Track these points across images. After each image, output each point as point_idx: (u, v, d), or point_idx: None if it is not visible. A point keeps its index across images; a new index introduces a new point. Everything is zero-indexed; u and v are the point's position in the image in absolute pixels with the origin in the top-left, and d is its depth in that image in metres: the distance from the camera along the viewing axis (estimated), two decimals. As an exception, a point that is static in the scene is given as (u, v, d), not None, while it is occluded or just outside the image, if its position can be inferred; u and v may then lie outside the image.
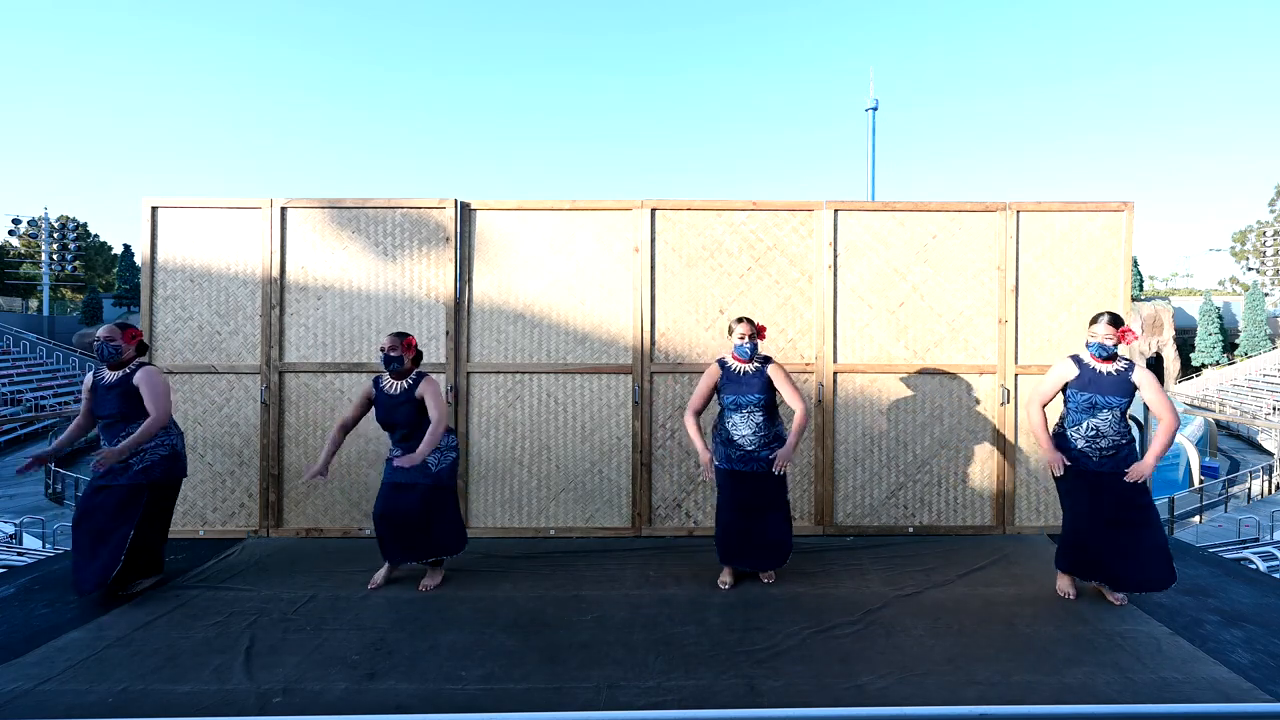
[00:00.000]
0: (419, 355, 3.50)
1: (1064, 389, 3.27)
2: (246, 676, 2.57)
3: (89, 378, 3.41)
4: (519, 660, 2.70)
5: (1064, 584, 3.33)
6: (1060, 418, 3.32)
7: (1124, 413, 3.15)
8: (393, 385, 3.41)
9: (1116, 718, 2.26)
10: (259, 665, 2.66)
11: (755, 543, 3.44)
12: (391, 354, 3.36)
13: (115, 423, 3.31)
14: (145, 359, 3.59)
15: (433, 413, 3.34)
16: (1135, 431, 3.34)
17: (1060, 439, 3.25)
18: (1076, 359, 3.24)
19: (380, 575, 3.49)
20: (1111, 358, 3.15)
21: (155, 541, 3.45)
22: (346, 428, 3.50)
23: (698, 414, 3.47)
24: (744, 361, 3.43)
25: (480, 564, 3.85)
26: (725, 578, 3.47)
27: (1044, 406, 3.26)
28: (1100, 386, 3.13)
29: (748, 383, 3.40)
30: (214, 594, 3.41)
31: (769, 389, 3.42)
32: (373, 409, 3.47)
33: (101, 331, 3.36)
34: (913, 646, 2.81)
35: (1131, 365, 3.17)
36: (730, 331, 3.45)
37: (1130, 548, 3.07)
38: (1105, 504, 3.10)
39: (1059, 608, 3.19)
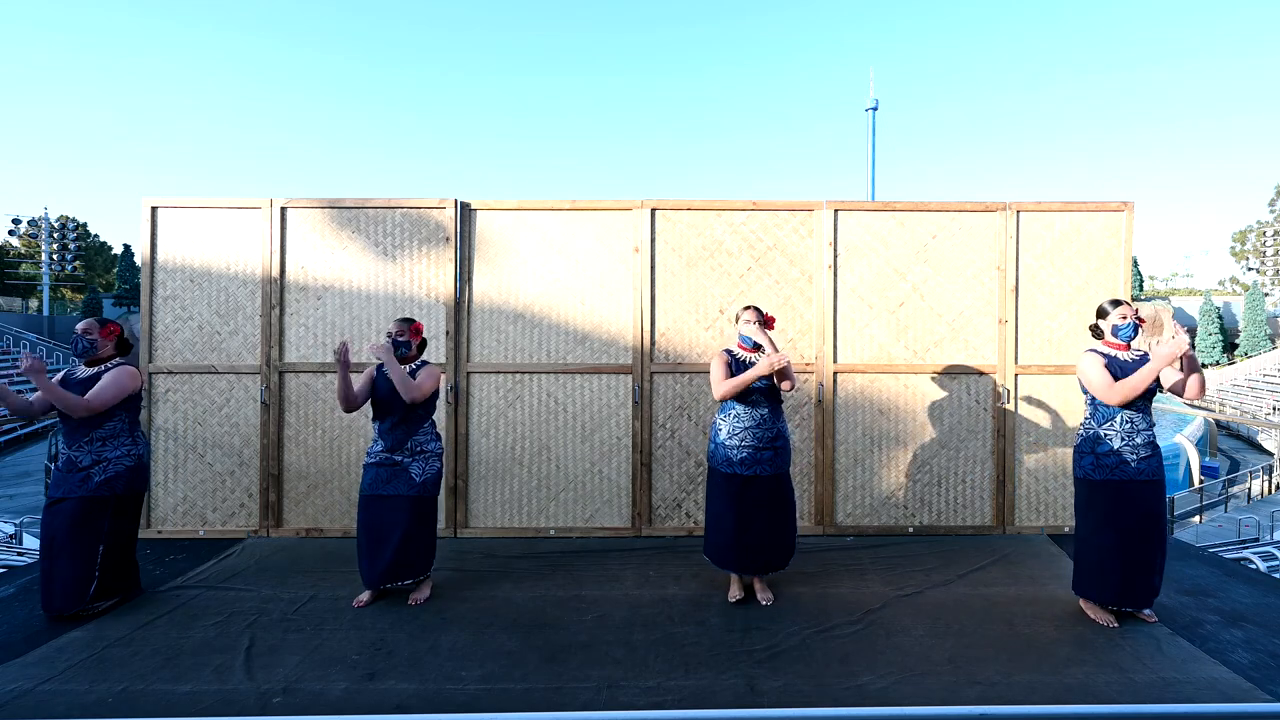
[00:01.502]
0: (424, 344, 3.44)
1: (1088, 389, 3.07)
2: (246, 676, 2.57)
3: (61, 374, 3.23)
4: (519, 660, 2.70)
5: (1097, 613, 3.04)
6: (1086, 419, 3.11)
7: (1152, 400, 2.99)
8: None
9: (1116, 718, 2.26)
10: (259, 665, 2.66)
11: (756, 545, 3.22)
12: (399, 339, 3.28)
13: (82, 424, 3.13)
14: (125, 359, 3.36)
15: (420, 383, 3.21)
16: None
17: (1093, 441, 3.03)
18: (1100, 353, 3.06)
19: (366, 595, 3.28)
20: (1131, 341, 3.03)
21: (126, 556, 3.28)
22: (350, 386, 3.25)
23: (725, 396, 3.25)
24: (751, 350, 3.31)
25: (480, 564, 3.85)
26: (735, 590, 3.28)
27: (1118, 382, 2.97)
28: (1128, 372, 2.96)
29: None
30: (214, 594, 3.41)
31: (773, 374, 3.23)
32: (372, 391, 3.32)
33: (80, 325, 3.22)
34: (913, 646, 2.81)
35: (1145, 352, 3.05)
36: (737, 320, 3.34)
37: (1150, 560, 2.93)
38: (1135, 517, 2.92)
39: (1059, 608, 3.18)
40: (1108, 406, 3.00)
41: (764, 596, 3.27)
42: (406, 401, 3.18)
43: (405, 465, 3.26)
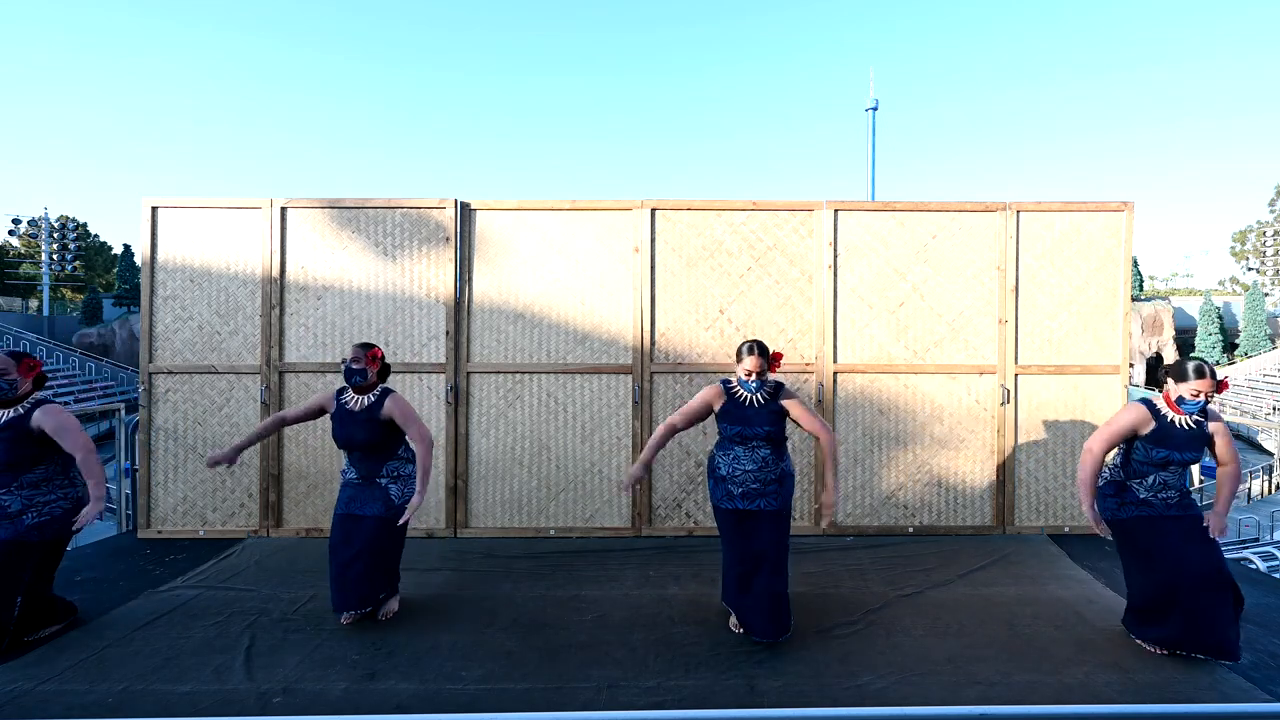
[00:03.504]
0: (385, 369, 3.22)
1: (1129, 439, 2.84)
2: (246, 676, 2.57)
3: None
4: (519, 660, 2.70)
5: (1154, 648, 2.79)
6: (1116, 464, 2.91)
7: (1188, 466, 2.76)
8: (354, 400, 3.09)
9: (1116, 718, 2.26)
10: (259, 665, 2.66)
11: (758, 600, 2.87)
12: (354, 365, 3.04)
13: (9, 468, 2.77)
14: (42, 393, 2.99)
15: (415, 437, 3.06)
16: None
17: (1118, 487, 2.85)
18: (1152, 408, 2.78)
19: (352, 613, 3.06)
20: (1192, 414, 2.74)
21: (46, 595, 2.98)
22: (284, 422, 3.21)
23: (674, 431, 2.98)
24: (752, 394, 2.95)
25: (480, 564, 3.85)
26: (737, 621, 2.98)
27: (1105, 452, 2.84)
28: (1177, 442, 2.72)
29: (757, 415, 2.91)
30: (214, 594, 3.41)
31: (780, 421, 2.94)
32: (330, 423, 3.16)
33: None
34: (913, 646, 2.81)
35: (1206, 416, 2.76)
36: (739, 358, 2.92)
37: (1208, 601, 2.64)
38: (1176, 551, 2.70)
39: (1059, 608, 3.18)
40: (1148, 465, 2.77)
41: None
42: (425, 449, 3.06)
43: (384, 486, 3.09)
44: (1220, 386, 2.70)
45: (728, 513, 2.96)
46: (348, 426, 3.06)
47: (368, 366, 3.09)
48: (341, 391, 3.17)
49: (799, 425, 2.98)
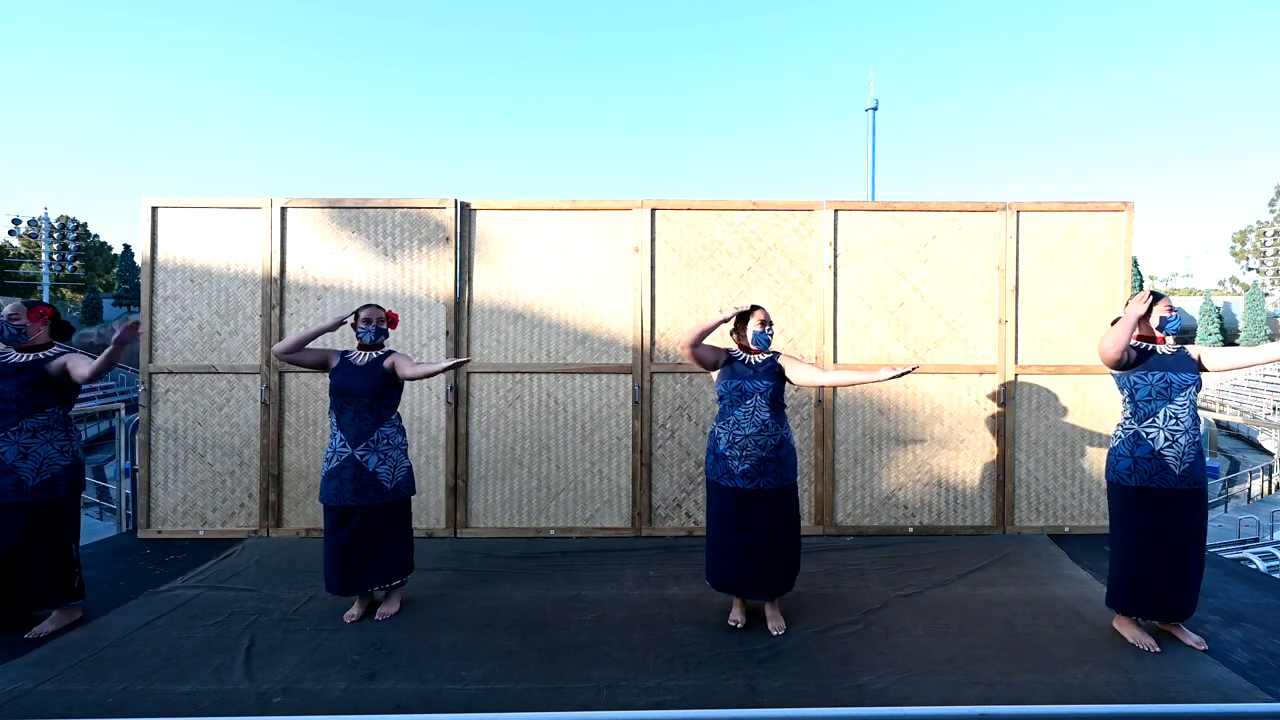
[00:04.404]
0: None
1: (1125, 379, 2.84)
2: (246, 676, 2.57)
3: None
4: (519, 660, 2.70)
5: (1134, 632, 2.83)
6: (1126, 420, 2.85)
7: (1196, 397, 2.78)
8: (360, 356, 3.17)
9: (1116, 718, 2.26)
10: (259, 665, 2.66)
11: (761, 564, 2.96)
12: (374, 326, 3.17)
13: (9, 411, 2.85)
14: (66, 344, 3.11)
15: (417, 366, 3.08)
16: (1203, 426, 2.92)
17: (1134, 441, 2.78)
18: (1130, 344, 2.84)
19: (355, 610, 3.10)
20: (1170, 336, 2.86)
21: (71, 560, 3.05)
22: (304, 343, 3.13)
23: (693, 346, 2.99)
24: (758, 351, 3.06)
25: (480, 564, 3.85)
26: (737, 615, 3.01)
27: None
28: (1167, 364, 2.75)
29: (756, 369, 2.99)
30: (214, 594, 3.41)
31: (778, 378, 3.01)
32: (330, 380, 3.17)
33: (7, 310, 2.93)
34: (913, 646, 2.81)
35: (1182, 345, 2.86)
36: (738, 323, 3.07)
37: (1184, 574, 2.76)
38: (1172, 527, 2.74)
39: (1059, 608, 3.18)
40: (1152, 399, 2.75)
41: (775, 625, 2.94)
42: (417, 378, 3.08)
43: (372, 470, 3.06)
44: (1169, 305, 2.88)
45: (727, 491, 2.99)
46: (351, 377, 3.12)
47: (387, 328, 3.26)
48: (346, 352, 3.24)
49: (800, 376, 3.04)
